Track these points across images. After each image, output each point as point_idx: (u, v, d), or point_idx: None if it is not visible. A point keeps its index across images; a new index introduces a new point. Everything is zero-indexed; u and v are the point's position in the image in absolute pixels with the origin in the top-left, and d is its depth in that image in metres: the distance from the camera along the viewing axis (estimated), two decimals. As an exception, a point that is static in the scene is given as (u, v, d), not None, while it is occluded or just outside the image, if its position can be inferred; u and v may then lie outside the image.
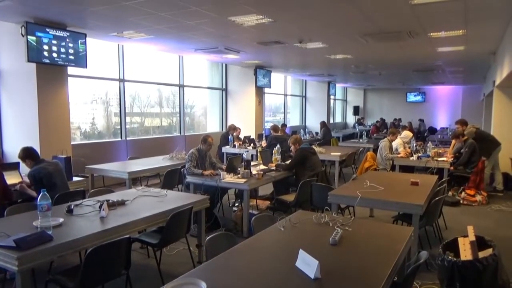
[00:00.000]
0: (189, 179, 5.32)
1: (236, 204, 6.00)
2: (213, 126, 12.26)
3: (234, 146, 9.08)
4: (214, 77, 12.14)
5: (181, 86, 10.54)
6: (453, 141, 7.87)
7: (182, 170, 5.76)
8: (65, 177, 4.48)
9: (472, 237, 3.34)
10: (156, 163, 6.50)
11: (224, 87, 12.26)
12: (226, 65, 12.08)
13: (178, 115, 10.67)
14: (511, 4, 5.13)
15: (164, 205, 3.70)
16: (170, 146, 9.26)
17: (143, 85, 9.77)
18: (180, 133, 10.59)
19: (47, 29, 6.08)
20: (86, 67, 6.71)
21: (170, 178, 5.85)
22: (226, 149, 9.14)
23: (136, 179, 6.85)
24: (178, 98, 10.63)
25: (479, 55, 9.14)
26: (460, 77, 14.90)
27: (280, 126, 10.99)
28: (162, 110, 10.89)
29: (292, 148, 6.04)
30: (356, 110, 21.63)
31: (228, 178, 5.12)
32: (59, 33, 6.24)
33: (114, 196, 3.98)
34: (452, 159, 7.33)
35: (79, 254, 3.77)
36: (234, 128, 9.56)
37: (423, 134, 15.99)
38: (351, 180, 4.98)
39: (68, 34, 6.37)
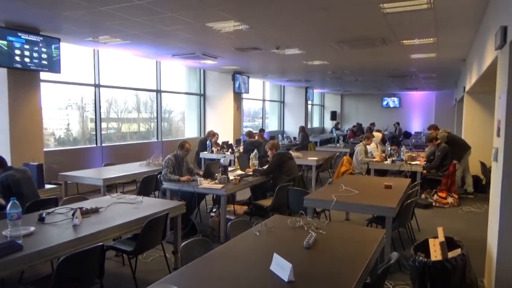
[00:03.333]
0: (165, 185, 5.29)
1: (214, 210, 5.99)
2: (191, 131, 12.21)
3: (212, 151, 9.07)
4: (192, 83, 12.11)
5: (158, 92, 10.47)
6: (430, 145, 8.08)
7: (158, 176, 5.72)
8: (34, 185, 4.38)
9: (441, 238, 3.44)
10: (133, 170, 6.43)
11: (202, 92, 12.24)
12: (204, 70, 12.07)
13: (156, 120, 10.58)
14: (478, 13, 5.34)
15: (140, 212, 3.67)
16: (147, 152, 9.16)
17: (120, 90, 9.66)
18: (158, 139, 10.50)
19: (19, 34, 5.94)
20: (59, 72, 6.59)
21: (147, 185, 5.80)
22: (204, 154, 9.12)
23: (111, 186, 6.74)
24: (155, 104, 10.55)
25: (450, 61, 9.43)
26: (433, 83, 15.33)
27: (258, 131, 11.05)
28: (140, 116, 10.77)
29: (269, 153, 6.09)
30: (333, 115, 21.93)
31: (205, 184, 5.12)
32: (32, 38, 6.12)
33: (88, 204, 3.91)
34: (425, 162, 7.54)
35: (51, 263, 3.69)
36: (213, 134, 9.56)
37: (398, 138, 16.33)
38: (327, 184, 5.05)
39: (41, 38, 6.24)
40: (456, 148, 7.65)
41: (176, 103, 11.91)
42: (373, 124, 17.69)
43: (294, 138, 14.09)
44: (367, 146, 8.02)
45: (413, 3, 4.83)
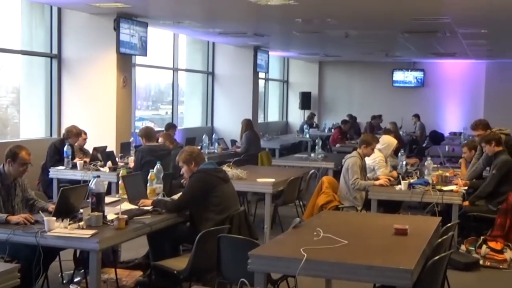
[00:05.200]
0: (-21, 232, 5.15)
1: (77, 279, 5.92)
2: (32, 127, 12.00)
3: (74, 166, 8.94)
4: (35, 33, 11.88)
5: (-33, 49, 10.18)
6: (464, 158, 8.42)
7: (-35, 214, 5.58)
8: None
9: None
10: None
11: (55, 52, 11.99)
12: (59, 10, 11.84)
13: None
14: None
15: None
16: None
17: None
18: (-35, 142, 10.20)
19: None
20: None
21: None
22: (58, 172, 8.97)
23: None
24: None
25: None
26: (483, 45, 15.97)
27: (165, 129, 10.99)
28: None
29: (184, 170, 6.11)
30: (305, 100, 22.22)
31: (59, 229, 5.03)
32: None
33: None
34: (467, 188, 7.82)
35: None
36: (76, 133, 9.42)
37: (420, 144, 16.94)
38: (291, 228, 5.12)
39: None
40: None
41: (5, 72, 11.58)
42: (377, 118, 18.20)
43: (233, 142, 14.17)
44: (366, 157, 8.25)
45: None
